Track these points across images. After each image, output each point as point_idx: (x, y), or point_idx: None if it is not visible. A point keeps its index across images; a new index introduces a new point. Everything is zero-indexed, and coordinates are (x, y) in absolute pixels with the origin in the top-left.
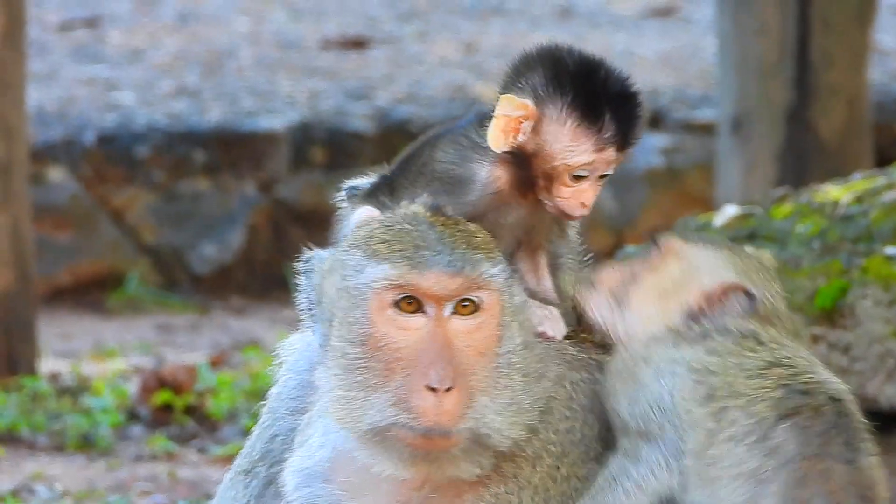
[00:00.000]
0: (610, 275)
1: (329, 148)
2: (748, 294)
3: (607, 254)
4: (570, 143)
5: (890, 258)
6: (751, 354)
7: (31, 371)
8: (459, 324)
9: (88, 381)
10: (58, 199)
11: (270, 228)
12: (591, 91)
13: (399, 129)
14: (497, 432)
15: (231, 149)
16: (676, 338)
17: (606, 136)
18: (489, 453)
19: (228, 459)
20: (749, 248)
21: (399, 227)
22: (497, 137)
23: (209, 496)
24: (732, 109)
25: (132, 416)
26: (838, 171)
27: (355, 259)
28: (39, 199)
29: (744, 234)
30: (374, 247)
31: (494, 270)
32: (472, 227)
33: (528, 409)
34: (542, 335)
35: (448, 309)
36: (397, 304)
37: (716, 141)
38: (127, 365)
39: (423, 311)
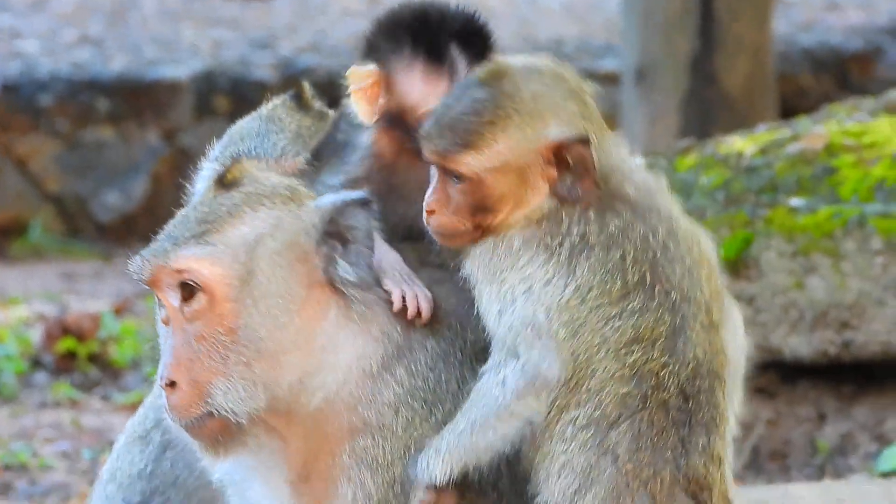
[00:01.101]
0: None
1: (232, 97)
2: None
3: None
4: (424, 89)
5: (793, 210)
6: (614, 312)
7: None
8: (187, 310)
9: None
10: None
11: (174, 177)
12: (428, 34)
13: (302, 78)
14: (231, 412)
15: (135, 98)
16: (546, 253)
17: (458, 70)
18: (282, 418)
19: (132, 407)
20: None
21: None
22: (361, 111)
23: (112, 444)
24: (636, 60)
25: (36, 363)
26: (743, 123)
27: None
28: None
29: None
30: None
31: (206, 250)
32: (227, 200)
33: (288, 377)
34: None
35: (172, 298)
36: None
37: (620, 91)
38: (30, 312)
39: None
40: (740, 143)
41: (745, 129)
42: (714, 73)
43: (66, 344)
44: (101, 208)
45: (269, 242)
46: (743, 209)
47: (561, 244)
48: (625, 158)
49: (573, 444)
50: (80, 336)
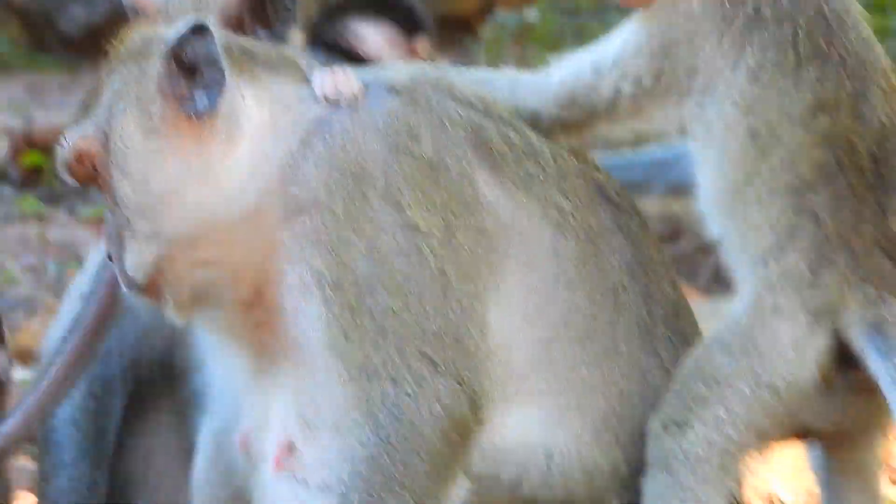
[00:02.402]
0: None
1: None
2: None
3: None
4: None
5: None
6: (790, 83)
7: None
8: (99, 186)
9: None
10: None
11: None
12: None
13: None
14: (136, 273)
15: None
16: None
17: None
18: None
19: (98, 221)
20: None
21: None
22: None
23: (78, 258)
24: None
25: (1, 176)
26: None
27: None
28: None
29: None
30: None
31: (79, 130)
32: (100, 74)
33: (192, 214)
34: (328, 98)
35: (87, 178)
36: None
37: None
38: None
39: None
40: None
41: None
42: None
43: (31, 158)
44: (67, 21)
45: (119, 104)
46: None
47: (736, 14)
48: None
49: (771, 207)
50: (46, 150)
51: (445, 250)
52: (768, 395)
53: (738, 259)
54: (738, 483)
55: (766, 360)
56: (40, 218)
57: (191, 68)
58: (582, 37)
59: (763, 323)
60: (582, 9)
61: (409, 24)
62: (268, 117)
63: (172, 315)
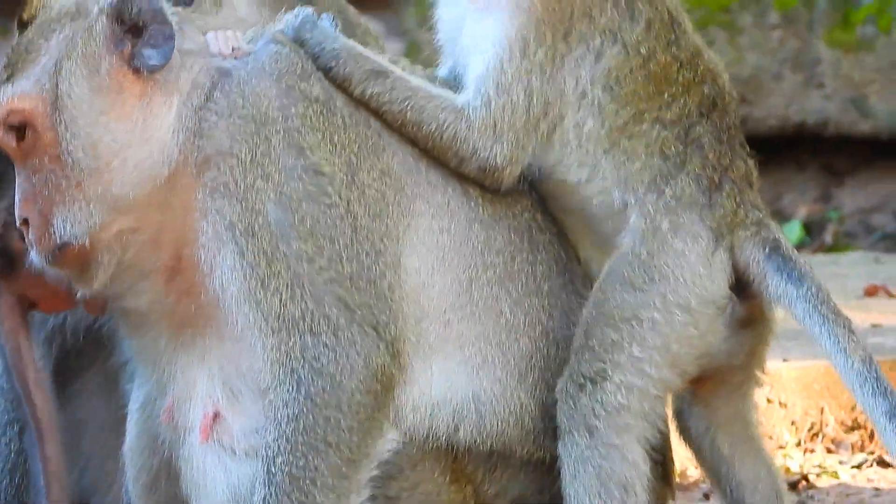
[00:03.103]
0: None
1: None
2: None
3: None
4: None
5: None
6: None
7: None
8: (22, 148)
9: None
10: None
11: None
12: None
13: None
14: (73, 237)
15: None
16: None
17: None
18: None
19: None
20: None
21: None
22: None
23: None
24: None
25: None
26: None
27: None
28: None
29: None
30: None
31: (16, 88)
32: (25, 37)
33: (129, 177)
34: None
35: (9, 140)
36: None
37: None
38: None
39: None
40: None
41: None
42: None
43: None
44: None
45: (66, 64)
46: None
47: None
48: None
49: (660, 139)
50: None
51: (352, 192)
52: (681, 314)
53: (617, 194)
54: (664, 423)
55: (674, 280)
56: None
57: (135, 26)
58: None
59: (663, 247)
60: None
61: None
62: (190, 73)
63: (84, 285)
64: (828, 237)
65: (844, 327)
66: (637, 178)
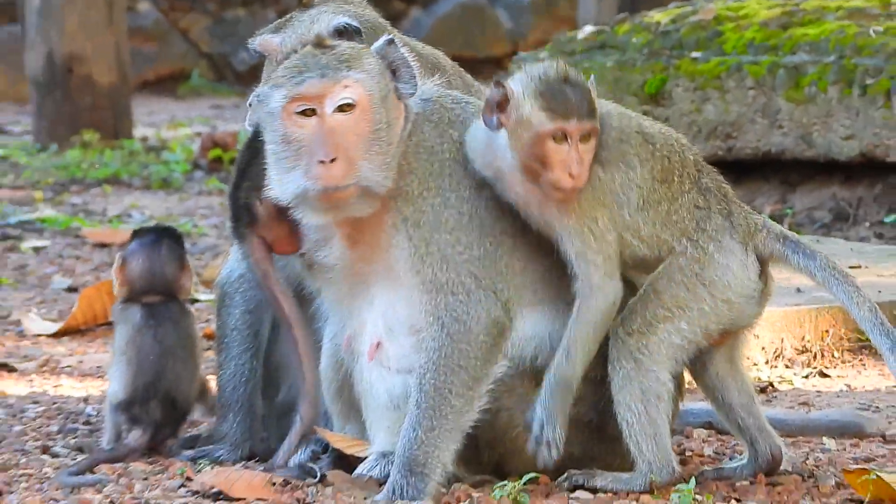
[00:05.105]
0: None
1: None
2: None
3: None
4: None
5: (694, 59)
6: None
7: (129, 136)
8: (341, 117)
9: (167, 142)
10: (145, 22)
11: None
12: None
13: None
14: (376, 184)
15: None
16: None
17: None
18: (376, 196)
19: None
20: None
21: (290, 60)
22: None
23: None
24: None
25: (195, 165)
26: (660, 2)
27: (265, 91)
28: (132, 22)
29: (597, 45)
30: (275, 79)
31: (359, 76)
32: (347, 46)
33: (393, 164)
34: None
35: (329, 107)
36: (297, 113)
37: None
38: (192, 131)
39: (315, 114)
40: (658, 16)
41: (661, 6)
42: None
43: (215, 153)
44: (238, 62)
45: (377, 76)
46: (660, 60)
47: None
48: None
49: (688, 200)
50: (224, 147)
51: (475, 210)
52: (725, 308)
53: (656, 244)
54: (682, 366)
55: (720, 284)
56: (221, 192)
57: (391, 66)
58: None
59: (711, 263)
60: (577, 51)
61: None
62: (408, 107)
63: (325, 215)
64: (785, 226)
65: (853, 285)
66: (688, 227)
